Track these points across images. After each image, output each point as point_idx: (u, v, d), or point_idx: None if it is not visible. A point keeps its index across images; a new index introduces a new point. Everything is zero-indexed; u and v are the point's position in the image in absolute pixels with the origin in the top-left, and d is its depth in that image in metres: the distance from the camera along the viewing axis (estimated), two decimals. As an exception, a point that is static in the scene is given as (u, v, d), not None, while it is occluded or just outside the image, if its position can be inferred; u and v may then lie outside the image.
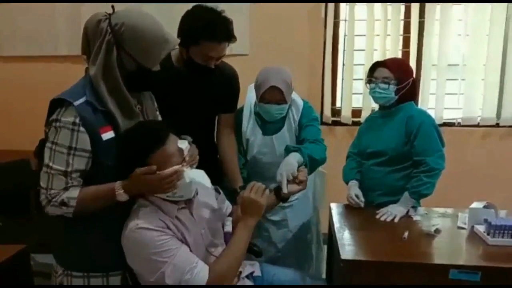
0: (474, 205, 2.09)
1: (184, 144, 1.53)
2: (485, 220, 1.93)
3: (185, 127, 1.96)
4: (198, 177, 1.55)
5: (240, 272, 1.78)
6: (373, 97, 2.31)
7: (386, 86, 2.22)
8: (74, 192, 1.46)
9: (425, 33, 3.29)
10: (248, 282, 1.80)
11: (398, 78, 2.22)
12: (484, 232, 1.92)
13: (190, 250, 1.55)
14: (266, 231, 2.37)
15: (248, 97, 2.32)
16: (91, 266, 1.58)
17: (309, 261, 2.48)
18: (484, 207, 2.06)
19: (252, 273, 1.85)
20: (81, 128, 1.44)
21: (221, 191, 1.91)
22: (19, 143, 3.29)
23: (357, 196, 2.28)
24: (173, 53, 2.08)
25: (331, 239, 2.21)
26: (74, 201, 1.45)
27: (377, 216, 2.16)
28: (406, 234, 1.94)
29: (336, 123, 3.53)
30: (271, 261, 2.20)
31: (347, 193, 2.34)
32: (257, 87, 2.19)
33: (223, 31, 1.91)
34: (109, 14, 1.48)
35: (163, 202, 1.56)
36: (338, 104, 3.59)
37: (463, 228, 2.05)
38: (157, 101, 1.87)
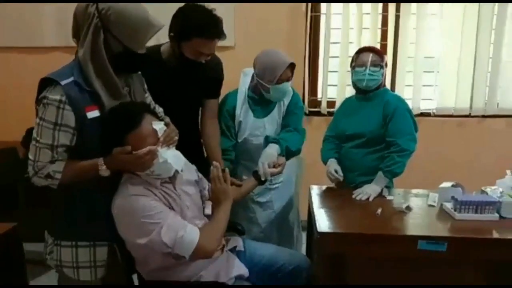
0: (443, 184, 2.23)
1: (159, 126, 1.62)
2: (452, 197, 2.07)
3: (173, 115, 2.09)
4: (172, 157, 1.64)
5: (224, 246, 1.90)
6: (361, 80, 2.36)
7: (377, 69, 2.34)
8: (60, 166, 1.56)
9: (401, 27, 3.44)
10: (232, 256, 1.91)
11: (384, 63, 2.38)
12: (451, 208, 2.06)
13: None
14: (252, 212, 2.48)
15: (242, 81, 2.42)
16: (78, 235, 1.68)
17: (290, 241, 2.59)
18: (453, 186, 2.20)
19: (235, 247, 1.96)
20: (67, 106, 1.52)
21: (201, 176, 2.00)
22: (5, 133, 3.35)
23: (336, 171, 2.39)
24: (163, 48, 2.18)
25: (310, 219, 2.33)
26: (59, 174, 1.55)
27: (353, 196, 2.28)
28: (379, 211, 2.07)
29: (313, 113, 3.64)
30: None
31: (326, 171, 2.44)
32: (270, 70, 2.22)
33: (214, 29, 2.00)
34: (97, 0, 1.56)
35: (146, 175, 1.66)
36: (319, 95, 3.71)
37: (433, 206, 2.18)
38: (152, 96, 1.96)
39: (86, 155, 1.59)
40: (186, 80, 2.20)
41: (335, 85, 3.59)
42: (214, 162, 1.85)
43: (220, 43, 3.29)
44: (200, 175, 1.98)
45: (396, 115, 2.33)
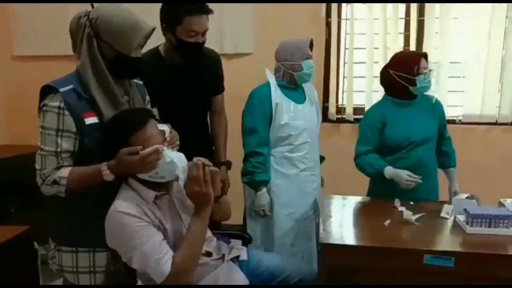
0: (458, 196, 2.15)
1: (164, 127, 1.66)
2: (465, 210, 1.98)
3: (181, 116, 2.16)
4: (177, 157, 1.65)
5: (223, 255, 1.87)
6: (423, 87, 2.38)
7: (429, 73, 2.39)
8: (65, 172, 1.60)
9: (425, 32, 3.34)
10: (233, 266, 1.88)
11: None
12: (463, 221, 1.98)
13: (165, 237, 1.64)
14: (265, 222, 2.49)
15: (270, 75, 2.53)
16: (78, 241, 1.72)
17: (304, 251, 2.54)
18: (467, 198, 2.12)
19: (238, 256, 1.93)
20: (66, 112, 1.59)
21: None
22: (34, 139, 3.48)
23: (409, 175, 2.29)
24: (161, 48, 2.26)
25: (317, 228, 2.29)
26: (65, 180, 1.59)
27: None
28: (387, 222, 2.01)
29: (339, 121, 3.60)
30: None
31: (400, 177, 2.29)
32: (297, 49, 2.44)
33: (199, 5, 2.10)
34: (89, 11, 1.64)
35: (142, 187, 1.65)
36: (340, 102, 3.65)
37: (446, 218, 2.11)
38: (154, 94, 2.02)
39: (86, 162, 1.63)
40: (189, 75, 2.26)
41: (362, 91, 3.53)
42: (195, 158, 1.61)
43: (238, 49, 3.41)
44: None
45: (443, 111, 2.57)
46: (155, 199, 1.67)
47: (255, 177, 2.39)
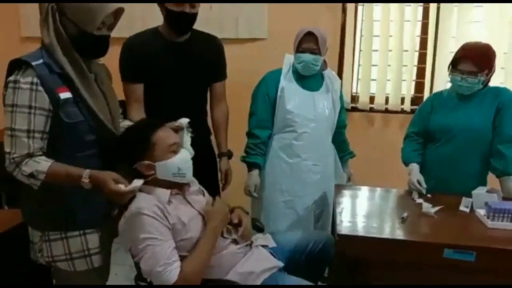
0: (477, 190, 2.10)
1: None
2: (486, 204, 1.94)
3: (179, 97, 2.16)
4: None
5: (252, 242, 1.85)
6: (456, 85, 2.26)
7: (475, 80, 2.18)
8: (44, 166, 1.52)
9: (442, 19, 3.23)
10: (262, 250, 1.86)
11: (484, 71, 2.18)
12: (484, 215, 1.94)
13: (180, 240, 1.63)
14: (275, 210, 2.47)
15: (287, 59, 2.49)
16: (66, 225, 1.66)
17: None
18: (487, 191, 2.07)
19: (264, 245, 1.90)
20: (39, 88, 1.51)
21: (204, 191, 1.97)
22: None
23: (418, 182, 2.27)
24: (160, 26, 2.21)
25: (334, 219, 2.25)
26: (43, 175, 1.51)
27: None
28: (405, 214, 1.97)
29: (353, 109, 3.51)
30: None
31: (411, 179, 2.31)
32: (295, 39, 2.37)
33: None
34: None
35: (156, 189, 1.67)
36: (354, 90, 3.57)
37: (465, 212, 2.06)
38: (154, 74, 2.07)
39: (61, 137, 1.58)
40: (187, 54, 2.20)
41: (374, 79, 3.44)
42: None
43: (253, 34, 3.33)
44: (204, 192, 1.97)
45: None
46: (169, 197, 1.68)
47: (247, 158, 2.44)
